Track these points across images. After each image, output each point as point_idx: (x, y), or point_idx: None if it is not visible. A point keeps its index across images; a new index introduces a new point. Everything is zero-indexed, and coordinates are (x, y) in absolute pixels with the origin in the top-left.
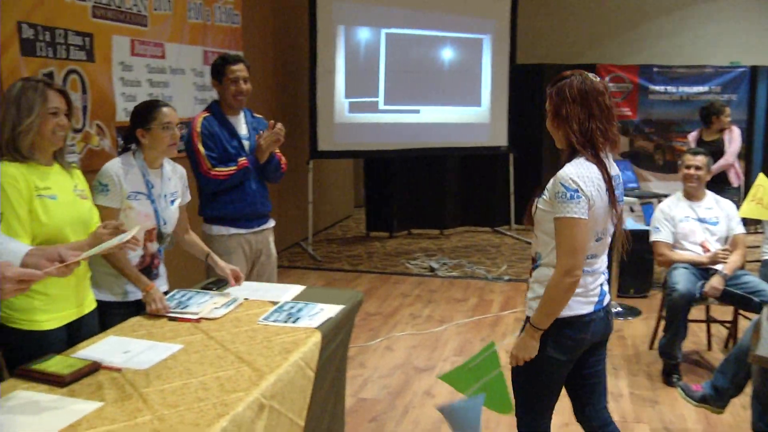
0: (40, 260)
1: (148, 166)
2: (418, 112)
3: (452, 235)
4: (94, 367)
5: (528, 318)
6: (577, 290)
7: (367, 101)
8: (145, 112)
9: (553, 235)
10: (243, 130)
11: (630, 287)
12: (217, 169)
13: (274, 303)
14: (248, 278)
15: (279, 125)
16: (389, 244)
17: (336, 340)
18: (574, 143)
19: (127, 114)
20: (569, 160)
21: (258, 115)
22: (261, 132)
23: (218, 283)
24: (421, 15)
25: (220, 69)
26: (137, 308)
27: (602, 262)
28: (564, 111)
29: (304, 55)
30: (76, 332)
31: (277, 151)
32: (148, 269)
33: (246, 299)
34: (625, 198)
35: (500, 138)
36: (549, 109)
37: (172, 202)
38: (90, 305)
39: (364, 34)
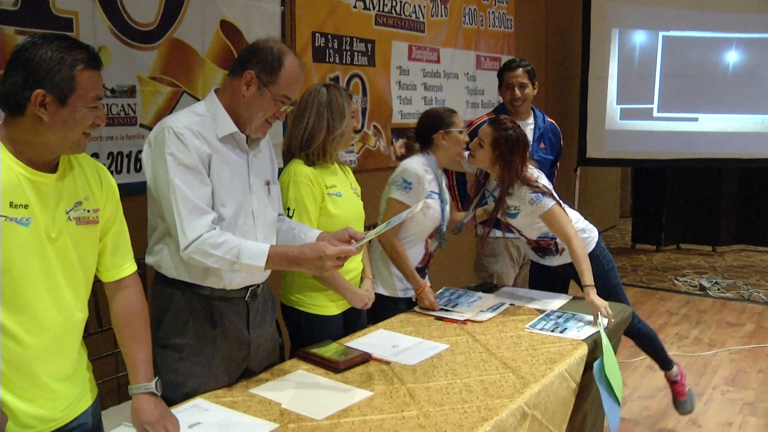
0: (328, 242)
1: (439, 168)
2: (696, 120)
3: (726, 252)
4: (365, 358)
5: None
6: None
7: (641, 108)
8: (447, 116)
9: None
10: (527, 134)
11: None
12: (457, 192)
13: (540, 311)
14: (514, 283)
15: None
16: (656, 257)
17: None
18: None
19: (402, 116)
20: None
21: (551, 120)
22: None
23: (484, 286)
24: (704, 15)
25: (500, 75)
26: (408, 305)
27: None
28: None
29: (575, 60)
30: (349, 321)
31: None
32: (424, 267)
33: (512, 305)
34: None
35: None
36: None
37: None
38: None
39: (639, 37)
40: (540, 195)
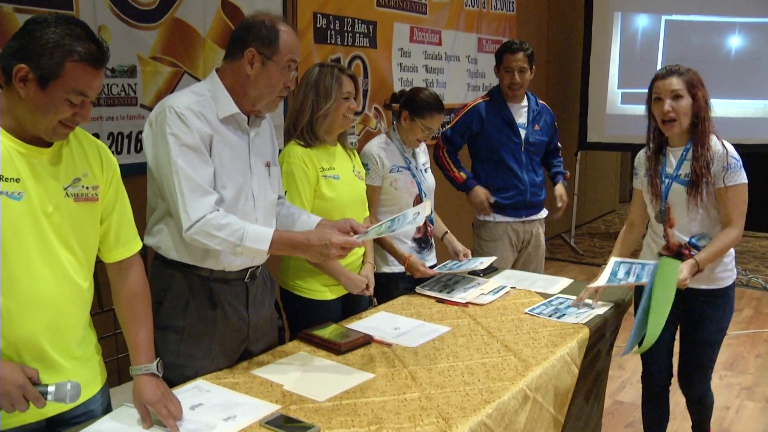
0: (333, 230)
1: (404, 144)
2: None
3: None
4: (366, 340)
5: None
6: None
7: (642, 92)
8: (422, 105)
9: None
10: (521, 118)
11: None
12: (449, 158)
13: (541, 294)
14: (514, 267)
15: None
16: None
17: (603, 338)
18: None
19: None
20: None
21: (542, 102)
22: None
23: (486, 271)
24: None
25: (499, 57)
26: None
27: None
28: (700, 94)
29: (577, 44)
30: (348, 306)
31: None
32: (425, 238)
33: (513, 288)
34: None
35: None
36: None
37: (426, 170)
38: None
39: (642, 21)
40: (740, 163)
